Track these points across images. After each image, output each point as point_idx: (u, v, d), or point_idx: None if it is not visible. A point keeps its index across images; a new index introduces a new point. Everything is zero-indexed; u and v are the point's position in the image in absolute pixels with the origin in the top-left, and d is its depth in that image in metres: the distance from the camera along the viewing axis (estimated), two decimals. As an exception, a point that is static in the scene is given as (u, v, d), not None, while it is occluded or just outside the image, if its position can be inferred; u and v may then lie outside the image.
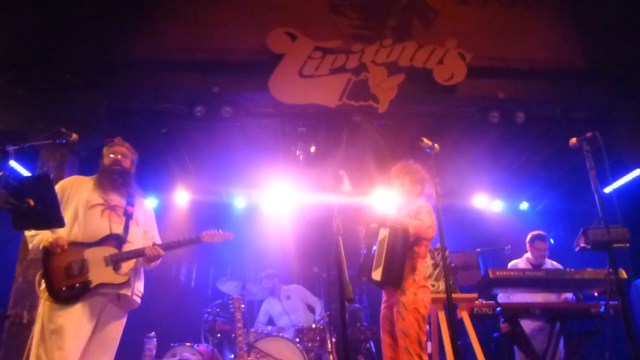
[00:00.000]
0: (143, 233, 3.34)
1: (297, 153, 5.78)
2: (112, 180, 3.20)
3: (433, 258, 4.38)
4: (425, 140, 3.06)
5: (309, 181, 6.03)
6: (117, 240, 3.13)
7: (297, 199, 6.70)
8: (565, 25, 5.49)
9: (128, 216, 3.20)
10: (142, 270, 3.32)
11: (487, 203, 7.44)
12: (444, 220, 3.03)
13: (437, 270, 4.34)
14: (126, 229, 3.16)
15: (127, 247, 3.15)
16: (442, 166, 3.24)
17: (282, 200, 6.80)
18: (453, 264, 4.53)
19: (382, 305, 3.42)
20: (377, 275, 3.24)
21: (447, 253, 4.32)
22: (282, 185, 6.56)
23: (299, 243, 6.75)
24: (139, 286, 3.25)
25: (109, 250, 3.08)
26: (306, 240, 6.64)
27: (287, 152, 5.90)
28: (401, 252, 3.24)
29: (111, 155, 3.24)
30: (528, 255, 5.32)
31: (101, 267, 3.04)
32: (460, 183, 6.70)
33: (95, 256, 3.04)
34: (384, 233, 3.29)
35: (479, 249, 5.02)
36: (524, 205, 7.81)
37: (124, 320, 3.19)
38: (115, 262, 3.08)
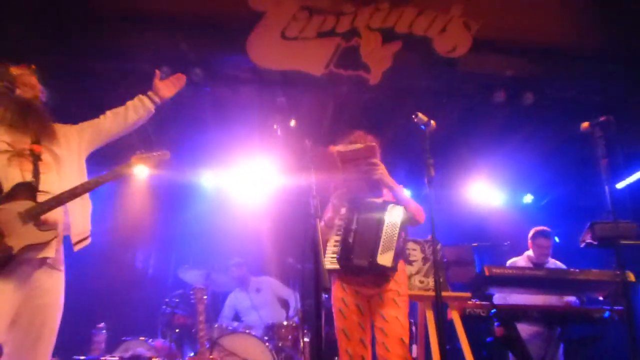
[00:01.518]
0: (76, 173, 3.10)
1: (275, 127, 5.76)
2: (17, 118, 2.93)
3: (423, 251, 4.41)
4: (420, 115, 3.09)
5: (286, 159, 6.05)
6: (28, 190, 2.83)
7: (272, 179, 6.69)
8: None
9: (35, 158, 2.91)
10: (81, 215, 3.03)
11: (487, 193, 7.51)
12: (436, 209, 3.03)
13: (426, 265, 4.38)
14: (35, 174, 2.88)
15: (42, 198, 2.85)
16: (437, 148, 3.25)
17: (255, 180, 6.77)
18: (445, 259, 4.57)
19: (347, 294, 3.34)
20: (386, 259, 3.19)
21: (438, 246, 4.37)
22: (256, 163, 6.54)
23: (273, 229, 6.78)
24: (77, 230, 2.97)
25: (24, 205, 2.80)
26: (282, 226, 6.67)
27: (264, 125, 5.88)
28: (406, 235, 3.39)
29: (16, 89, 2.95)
30: (529, 252, 5.39)
31: (18, 227, 2.76)
32: (457, 169, 6.75)
33: (7, 216, 2.75)
34: (396, 212, 3.29)
35: (474, 244, 5.06)
36: (528, 198, 7.92)
37: (61, 294, 2.94)
38: (34, 217, 2.80)
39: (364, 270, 3.27)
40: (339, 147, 3.23)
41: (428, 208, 3.10)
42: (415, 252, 4.44)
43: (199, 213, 5.53)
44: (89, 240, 3.03)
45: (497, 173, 7.29)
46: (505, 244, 5.57)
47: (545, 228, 5.38)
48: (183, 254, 6.37)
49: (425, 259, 4.37)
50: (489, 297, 4.63)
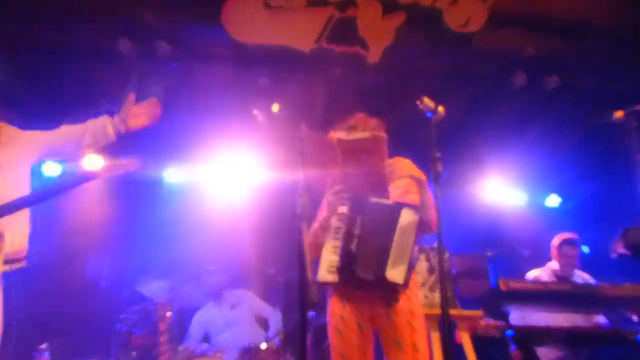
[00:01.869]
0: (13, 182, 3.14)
1: (255, 113, 5.80)
2: None
3: (428, 261, 4.44)
4: (426, 100, 3.05)
5: (268, 151, 6.05)
6: None
7: (251, 174, 6.69)
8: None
9: None
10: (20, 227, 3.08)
11: (503, 193, 7.55)
12: (444, 212, 3.01)
13: (432, 278, 4.41)
14: None
15: None
16: (446, 140, 3.25)
17: (231, 175, 6.76)
18: (454, 270, 4.60)
19: (346, 311, 3.31)
20: (397, 274, 3.10)
21: (446, 256, 4.48)
22: (232, 156, 6.52)
23: (252, 234, 6.75)
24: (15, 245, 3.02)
25: None
26: (262, 230, 6.67)
27: (242, 111, 5.87)
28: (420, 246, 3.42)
29: None
30: (553, 264, 5.48)
31: None
32: (468, 164, 6.76)
33: None
34: (409, 217, 3.17)
35: (488, 253, 5.10)
36: (552, 200, 7.97)
37: None
38: None
39: (369, 285, 3.21)
40: (340, 134, 3.22)
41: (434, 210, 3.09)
42: (419, 262, 4.43)
43: (163, 214, 5.50)
44: (23, 263, 3.07)
45: (515, 169, 7.30)
46: (525, 253, 5.76)
47: (572, 235, 5.48)
48: (143, 262, 6.33)
49: (430, 270, 4.40)
50: (505, 316, 4.64)
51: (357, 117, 3.46)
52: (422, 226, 3.21)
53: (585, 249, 6.65)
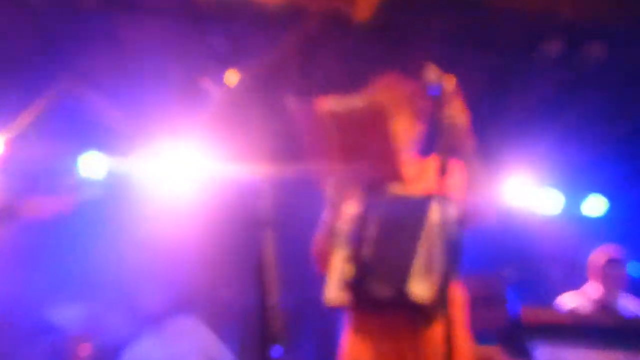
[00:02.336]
0: None
1: (207, 86, 5.79)
2: None
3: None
4: (431, 70, 2.90)
5: (222, 136, 6.06)
6: None
7: (200, 167, 6.62)
8: None
9: None
10: None
11: (527, 196, 7.56)
12: None
13: (435, 305, 4.43)
14: None
15: None
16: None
17: (172, 168, 6.69)
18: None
19: (366, 351, 3.19)
20: (423, 288, 3.02)
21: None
22: (174, 143, 6.47)
23: (200, 245, 6.67)
24: None
25: None
26: (214, 241, 6.63)
27: (188, 82, 5.86)
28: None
29: None
30: (592, 287, 5.53)
31: None
32: (485, 156, 6.59)
33: None
34: (443, 212, 2.96)
35: (507, 272, 5.16)
36: (592, 205, 7.94)
37: None
38: None
39: (388, 304, 3.11)
40: (333, 104, 3.03)
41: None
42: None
43: (79, 218, 5.56)
44: None
45: (542, 166, 7.30)
46: (555, 273, 6.02)
47: (617, 250, 5.52)
48: (51, 281, 6.26)
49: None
50: (528, 354, 4.62)
51: (387, 80, 3.39)
52: (469, 219, 3.06)
53: (635, 268, 6.57)
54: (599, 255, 5.55)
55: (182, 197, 6.80)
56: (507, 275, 5.18)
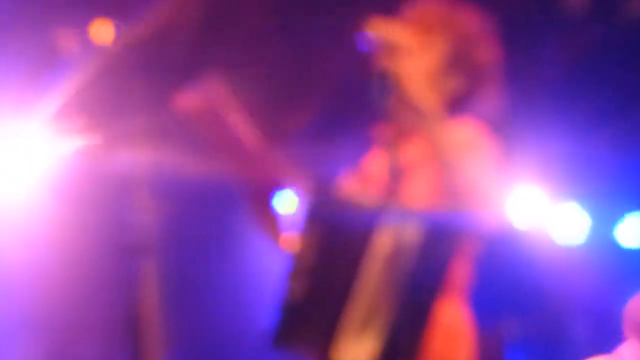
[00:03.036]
0: None
1: (67, 44, 5.18)
2: None
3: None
4: (373, 23, 2.56)
5: (90, 119, 5.57)
6: None
7: (54, 163, 6.01)
8: None
9: None
10: None
11: (542, 213, 6.95)
12: None
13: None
14: None
15: None
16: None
17: (12, 165, 6.13)
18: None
19: None
20: (360, 351, 2.67)
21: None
22: (20, 128, 5.96)
23: (43, 276, 6.01)
24: None
25: None
26: (63, 270, 5.90)
27: (34, 39, 5.33)
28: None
29: None
30: (631, 349, 4.96)
31: None
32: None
33: None
34: (398, 236, 2.64)
35: (509, 325, 5.39)
36: (630, 233, 7.31)
37: None
38: None
39: None
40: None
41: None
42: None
43: None
44: None
45: (561, 174, 6.75)
46: (578, 327, 5.90)
47: None
48: None
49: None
50: None
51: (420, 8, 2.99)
52: (441, 243, 2.62)
53: None
54: (637, 305, 4.99)
55: (20, 205, 6.08)
56: (509, 330, 5.33)
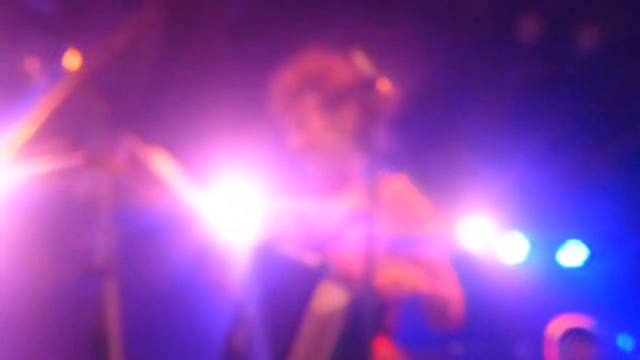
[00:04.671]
0: None
1: (29, 67, 5.04)
2: None
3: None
4: (356, 57, 2.39)
5: (53, 141, 4.86)
6: None
7: (11, 171, 5.97)
8: None
9: None
10: None
11: (486, 237, 7.16)
12: None
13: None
14: None
15: None
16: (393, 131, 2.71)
17: None
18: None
19: None
20: None
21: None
22: None
23: (2, 279, 5.78)
24: None
25: None
26: (24, 297, 5.75)
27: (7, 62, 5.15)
28: None
29: None
30: None
31: None
32: (431, 183, 6.11)
33: None
34: (334, 301, 2.74)
35: (453, 348, 5.50)
36: (571, 254, 7.47)
37: None
38: None
39: None
40: None
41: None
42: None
43: None
44: None
45: (508, 200, 6.88)
46: (520, 350, 5.96)
47: (587, 322, 5.13)
48: None
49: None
50: None
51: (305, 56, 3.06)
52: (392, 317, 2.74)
53: (626, 342, 6.82)
54: (558, 327, 5.06)
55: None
56: (452, 352, 5.42)
